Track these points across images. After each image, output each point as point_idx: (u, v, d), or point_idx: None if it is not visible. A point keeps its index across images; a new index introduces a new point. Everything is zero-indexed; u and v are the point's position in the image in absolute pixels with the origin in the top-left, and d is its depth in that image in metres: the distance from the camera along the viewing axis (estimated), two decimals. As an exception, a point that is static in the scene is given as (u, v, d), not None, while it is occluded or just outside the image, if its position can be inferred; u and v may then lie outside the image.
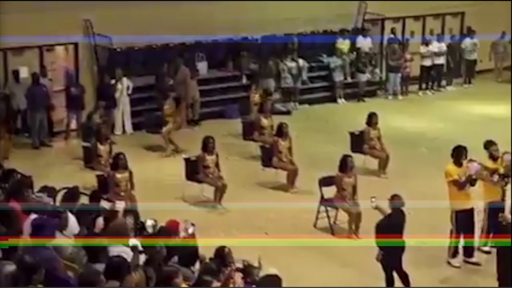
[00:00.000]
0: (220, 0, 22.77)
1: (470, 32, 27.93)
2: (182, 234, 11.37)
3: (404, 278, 12.46)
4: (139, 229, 11.56)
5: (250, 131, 19.91)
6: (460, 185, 13.48)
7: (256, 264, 10.94)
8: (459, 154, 13.96)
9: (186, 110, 22.17)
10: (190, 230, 11.42)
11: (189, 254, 10.65)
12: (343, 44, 25.74)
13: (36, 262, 8.53)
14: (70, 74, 21.48)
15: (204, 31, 23.10)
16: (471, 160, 13.91)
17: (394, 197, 12.48)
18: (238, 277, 10.44)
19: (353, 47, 26.04)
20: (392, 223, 12.39)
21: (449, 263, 13.62)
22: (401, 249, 12.37)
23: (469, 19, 28.54)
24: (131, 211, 12.34)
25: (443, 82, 27.59)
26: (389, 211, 12.51)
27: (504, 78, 28.47)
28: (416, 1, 26.38)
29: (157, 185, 17.38)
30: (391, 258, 12.35)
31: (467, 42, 27.74)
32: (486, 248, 14.12)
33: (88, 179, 16.57)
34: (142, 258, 10.18)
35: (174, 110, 20.55)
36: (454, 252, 13.75)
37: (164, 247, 10.41)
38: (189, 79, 22.18)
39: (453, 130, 21.76)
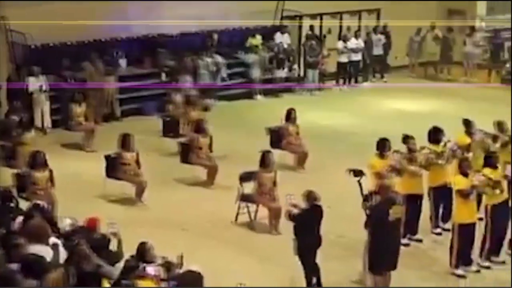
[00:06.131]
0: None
1: (385, 29, 28.46)
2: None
3: (317, 271, 12.62)
4: (54, 227, 11.44)
5: (170, 128, 19.96)
6: (383, 176, 13.68)
7: (176, 261, 10.98)
8: (383, 146, 14.39)
9: (99, 108, 22.10)
10: (113, 229, 11.39)
11: (112, 252, 10.65)
12: (255, 40, 25.92)
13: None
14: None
15: (120, 27, 23.07)
16: (395, 152, 14.29)
17: (309, 193, 12.61)
18: (163, 273, 10.46)
19: (271, 44, 26.25)
20: (308, 218, 12.54)
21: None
22: (317, 243, 12.54)
23: (385, 16, 29.01)
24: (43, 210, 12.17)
25: (359, 78, 28.03)
26: (305, 206, 12.66)
27: (419, 74, 29.14)
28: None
29: (76, 182, 17.25)
30: (306, 252, 12.51)
31: (374, 37, 28.20)
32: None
33: (6, 178, 16.34)
34: (64, 256, 10.15)
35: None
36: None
37: (86, 245, 10.38)
38: (96, 75, 22.06)
39: (369, 125, 22.10)
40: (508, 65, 28.29)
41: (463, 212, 13.29)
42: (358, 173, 13.32)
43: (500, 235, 13.82)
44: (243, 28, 26.10)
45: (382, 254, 12.12)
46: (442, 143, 14.89)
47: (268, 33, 26.42)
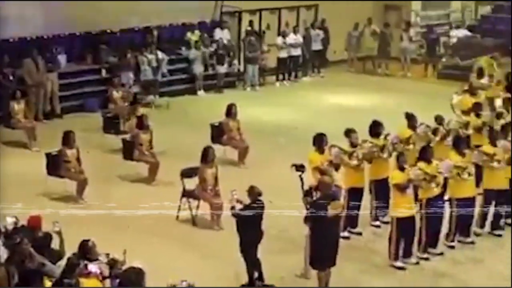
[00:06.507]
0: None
1: (323, 24, 28.75)
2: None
3: (258, 266, 12.75)
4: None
5: (110, 124, 19.97)
6: (324, 171, 13.86)
7: (120, 258, 11.02)
8: (320, 141, 14.57)
9: (40, 105, 21.97)
10: (56, 227, 11.38)
11: (54, 250, 10.65)
12: (194, 36, 25.99)
13: None
14: None
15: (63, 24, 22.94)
16: (332, 146, 14.48)
17: (252, 188, 12.75)
18: (106, 269, 10.51)
19: (211, 40, 26.35)
20: (250, 213, 12.68)
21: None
22: (258, 238, 12.69)
23: (324, 11, 29.29)
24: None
25: (299, 73, 28.26)
26: (248, 202, 12.79)
27: (357, 68, 29.50)
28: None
29: (17, 180, 17.12)
30: (248, 248, 12.65)
31: (312, 33, 28.44)
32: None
33: None
34: (4, 255, 10.14)
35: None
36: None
37: (28, 243, 10.38)
38: (35, 72, 21.90)
39: (309, 120, 22.32)
40: (444, 59, 28.79)
41: (400, 206, 13.54)
42: (299, 167, 13.47)
43: (435, 229, 14.09)
44: (179, 24, 26.11)
45: (322, 250, 12.29)
46: (382, 136, 15.15)
47: (207, 29, 26.50)
